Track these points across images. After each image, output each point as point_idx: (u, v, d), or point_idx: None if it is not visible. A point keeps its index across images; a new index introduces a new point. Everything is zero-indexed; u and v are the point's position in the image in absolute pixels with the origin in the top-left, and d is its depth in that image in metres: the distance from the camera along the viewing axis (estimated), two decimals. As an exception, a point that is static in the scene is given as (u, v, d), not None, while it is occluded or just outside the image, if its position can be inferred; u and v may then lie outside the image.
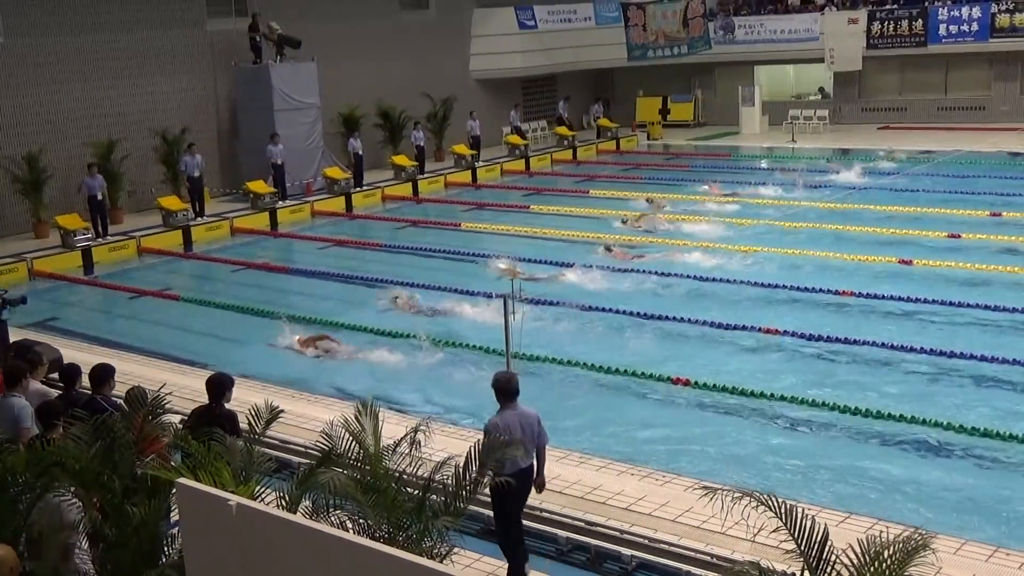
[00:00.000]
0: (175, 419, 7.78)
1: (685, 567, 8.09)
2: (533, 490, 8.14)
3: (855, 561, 5.11)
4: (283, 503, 6.32)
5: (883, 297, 15.53)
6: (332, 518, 6.25)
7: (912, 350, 13.11)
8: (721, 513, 5.51)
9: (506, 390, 7.88)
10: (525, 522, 8.62)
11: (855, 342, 13.49)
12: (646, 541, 8.42)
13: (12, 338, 15.08)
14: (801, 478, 10.12)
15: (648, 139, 35.44)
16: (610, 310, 15.42)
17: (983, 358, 12.68)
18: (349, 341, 14.61)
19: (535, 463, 7.99)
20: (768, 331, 14.07)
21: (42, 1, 23.25)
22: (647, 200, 23.40)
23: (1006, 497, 9.60)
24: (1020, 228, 20.03)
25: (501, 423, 7.71)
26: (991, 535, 8.60)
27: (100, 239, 21.87)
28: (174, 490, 5.59)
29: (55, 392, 9.45)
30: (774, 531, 5.46)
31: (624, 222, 20.35)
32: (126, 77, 24.95)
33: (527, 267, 17.60)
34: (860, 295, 15.74)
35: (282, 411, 7.33)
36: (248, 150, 26.57)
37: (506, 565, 8.07)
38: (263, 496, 6.42)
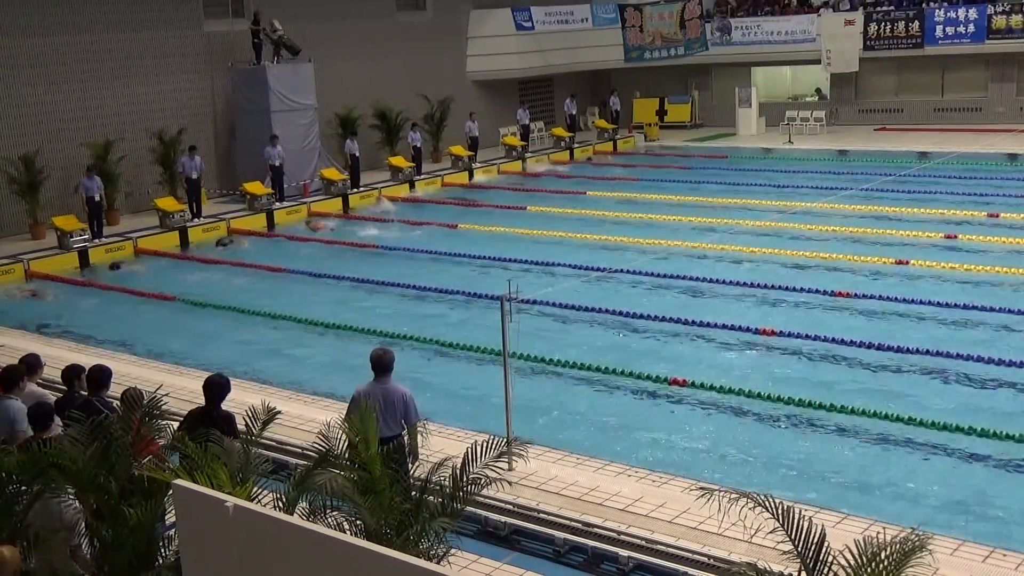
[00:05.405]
0: (173, 422, 7.76)
1: (682, 568, 8.07)
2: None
3: (852, 562, 5.11)
4: (280, 504, 6.31)
5: (870, 296, 15.56)
6: (329, 519, 6.25)
7: (910, 351, 13.13)
8: (718, 514, 5.52)
9: (376, 364, 8.53)
10: (522, 523, 8.62)
11: (843, 342, 13.51)
12: (643, 542, 8.41)
13: (11, 340, 15.19)
14: (798, 479, 10.12)
15: (645, 140, 35.43)
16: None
17: (980, 359, 12.69)
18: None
19: (404, 435, 8.39)
20: (764, 331, 14.10)
21: (38, 1, 23.22)
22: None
23: (1003, 497, 9.59)
24: (1016, 230, 20.05)
25: (362, 391, 8.41)
26: (988, 535, 8.59)
27: (96, 240, 21.85)
28: (171, 491, 5.59)
29: (51, 394, 9.42)
30: (771, 532, 5.47)
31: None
32: (123, 78, 24.90)
33: None
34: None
35: (279, 412, 7.31)
36: (245, 151, 26.53)
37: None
38: (260, 497, 6.42)
